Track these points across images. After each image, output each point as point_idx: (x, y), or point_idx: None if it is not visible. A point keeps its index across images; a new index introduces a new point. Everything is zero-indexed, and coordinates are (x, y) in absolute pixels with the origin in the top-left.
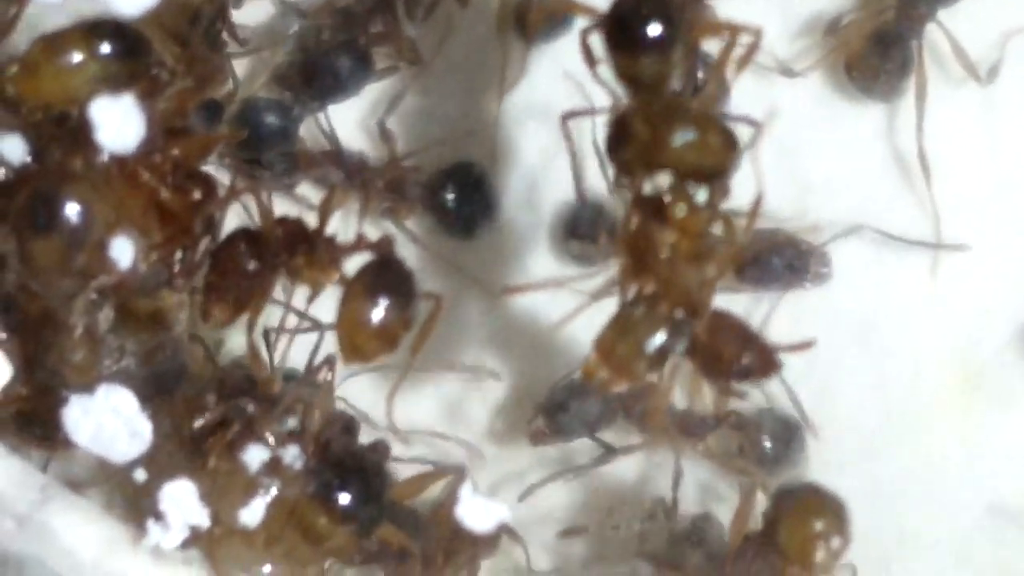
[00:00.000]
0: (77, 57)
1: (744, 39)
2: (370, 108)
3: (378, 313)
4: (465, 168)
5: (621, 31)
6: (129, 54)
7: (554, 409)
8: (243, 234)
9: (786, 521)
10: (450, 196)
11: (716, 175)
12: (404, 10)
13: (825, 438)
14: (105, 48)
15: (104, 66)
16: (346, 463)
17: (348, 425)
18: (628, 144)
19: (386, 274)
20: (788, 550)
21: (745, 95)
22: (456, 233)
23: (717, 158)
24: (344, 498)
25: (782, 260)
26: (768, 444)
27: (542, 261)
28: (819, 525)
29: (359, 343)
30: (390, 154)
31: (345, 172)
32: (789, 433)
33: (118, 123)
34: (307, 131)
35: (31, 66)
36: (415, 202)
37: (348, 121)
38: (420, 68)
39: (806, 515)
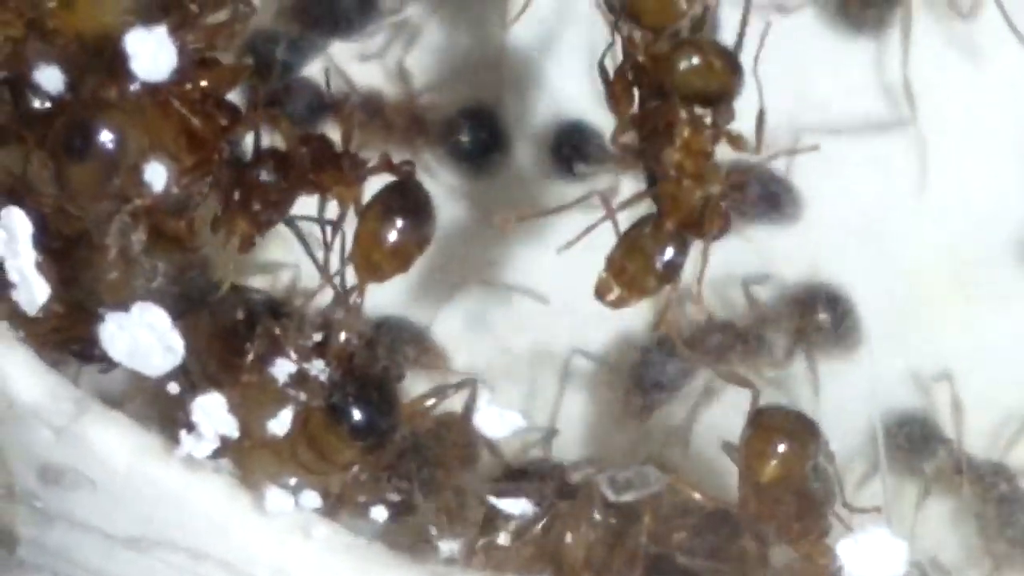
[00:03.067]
0: None
1: None
2: (385, 46)
3: (394, 233)
4: (477, 106)
5: None
6: None
7: (650, 388)
8: (270, 153)
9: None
10: (464, 135)
11: (721, 98)
12: None
13: None
14: None
15: None
16: (363, 379)
17: (370, 342)
18: None
19: (405, 196)
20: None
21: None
22: (471, 168)
23: (721, 81)
24: (355, 415)
25: (759, 189)
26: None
27: (554, 191)
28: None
29: (375, 261)
30: (407, 92)
31: (364, 108)
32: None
33: (152, 53)
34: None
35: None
36: (432, 136)
37: (361, 56)
38: (430, 6)
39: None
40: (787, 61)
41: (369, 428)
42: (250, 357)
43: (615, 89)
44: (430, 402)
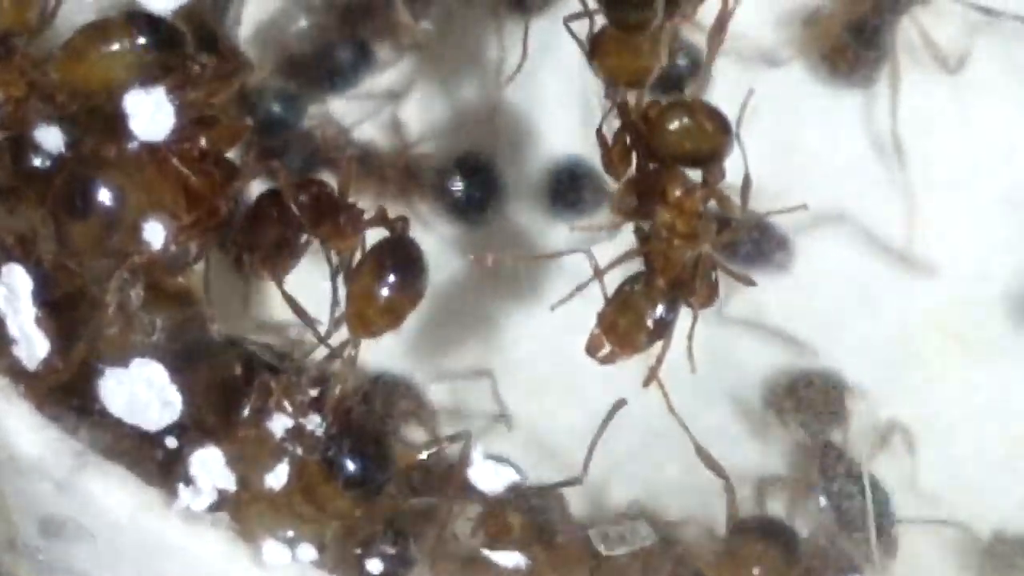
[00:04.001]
0: (118, 45)
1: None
2: (378, 99)
3: (387, 289)
4: (472, 157)
5: None
6: (166, 45)
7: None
8: (269, 196)
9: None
10: (458, 184)
11: (711, 158)
12: (404, 2)
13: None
14: (144, 38)
15: (141, 55)
16: (358, 432)
17: (366, 395)
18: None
19: (398, 252)
20: None
21: (729, 83)
22: (465, 218)
23: (712, 142)
24: (349, 466)
25: (749, 242)
26: None
27: (548, 241)
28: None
29: (368, 317)
30: (401, 142)
31: (360, 158)
32: None
33: (150, 114)
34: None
35: (74, 52)
36: (427, 188)
37: (357, 110)
38: (423, 59)
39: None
40: (776, 114)
41: (363, 479)
42: (247, 412)
43: (612, 155)
44: (424, 454)
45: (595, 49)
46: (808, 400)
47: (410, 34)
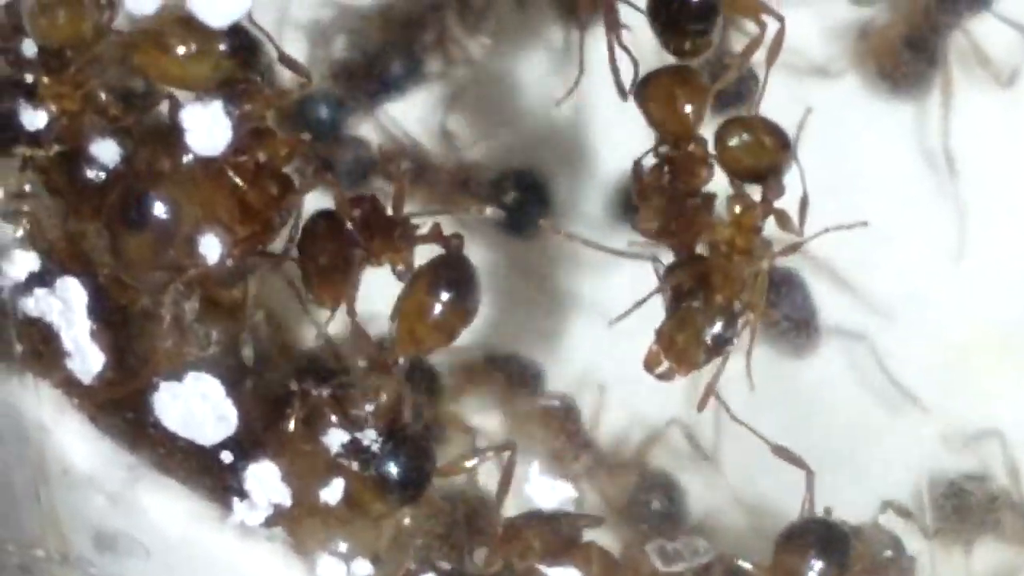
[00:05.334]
0: (204, 46)
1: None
2: (430, 106)
3: (439, 307)
4: (526, 172)
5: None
6: (244, 55)
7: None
8: (324, 213)
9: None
10: (510, 197)
11: (770, 174)
12: (457, 17)
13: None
14: (227, 45)
15: (220, 61)
16: (401, 436)
17: (417, 410)
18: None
19: (451, 270)
20: None
21: (782, 96)
22: (515, 231)
23: (771, 157)
24: (392, 472)
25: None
26: None
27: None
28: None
29: (418, 334)
30: (451, 152)
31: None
32: None
33: (207, 127)
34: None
35: (161, 43)
36: (478, 198)
37: (409, 119)
38: (472, 72)
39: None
40: (827, 126)
41: (404, 484)
42: (303, 426)
43: (645, 185)
44: (470, 463)
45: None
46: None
47: (462, 47)
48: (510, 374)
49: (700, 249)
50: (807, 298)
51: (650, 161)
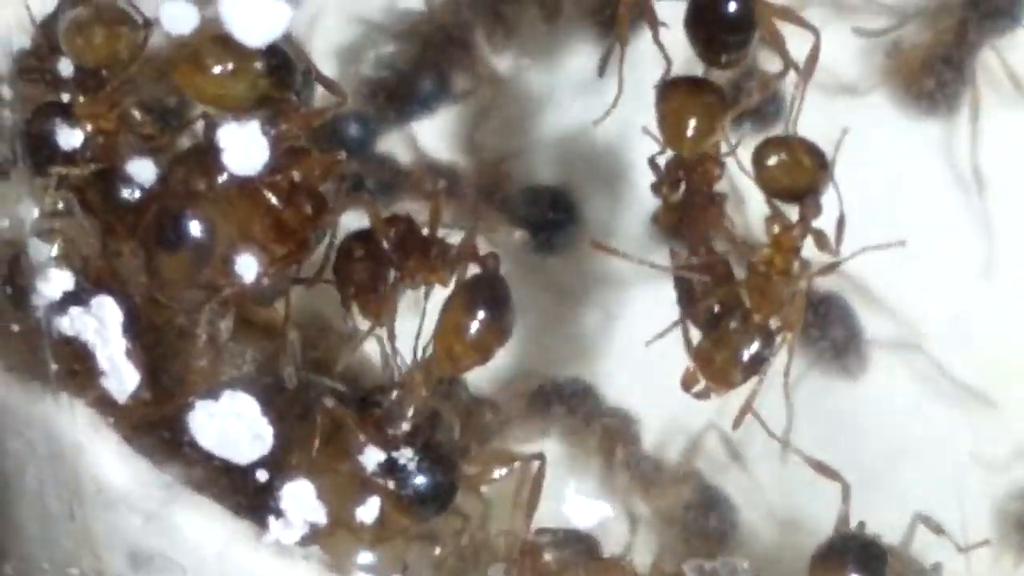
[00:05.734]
0: (241, 65)
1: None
2: (459, 123)
3: (476, 326)
4: (557, 189)
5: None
6: (281, 75)
7: None
8: (359, 234)
9: None
10: (538, 213)
11: (808, 193)
12: (486, 34)
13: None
14: (264, 64)
15: (256, 81)
16: (428, 452)
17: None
18: None
19: (487, 289)
20: None
21: (812, 114)
22: (543, 247)
23: (809, 177)
24: (424, 495)
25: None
26: None
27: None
28: None
29: (455, 353)
30: (479, 167)
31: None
32: None
33: (243, 147)
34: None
35: (198, 61)
36: (505, 214)
37: (434, 135)
38: (501, 89)
39: None
40: (856, 144)
41: (433, 500)
42: (336, 445)
43: (660, 182)
44: (497, 474)
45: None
46: None
47: (492, 64)
48: (571, 398)
49: (716, 247)
50: (853, 318)
51: (664, 158)
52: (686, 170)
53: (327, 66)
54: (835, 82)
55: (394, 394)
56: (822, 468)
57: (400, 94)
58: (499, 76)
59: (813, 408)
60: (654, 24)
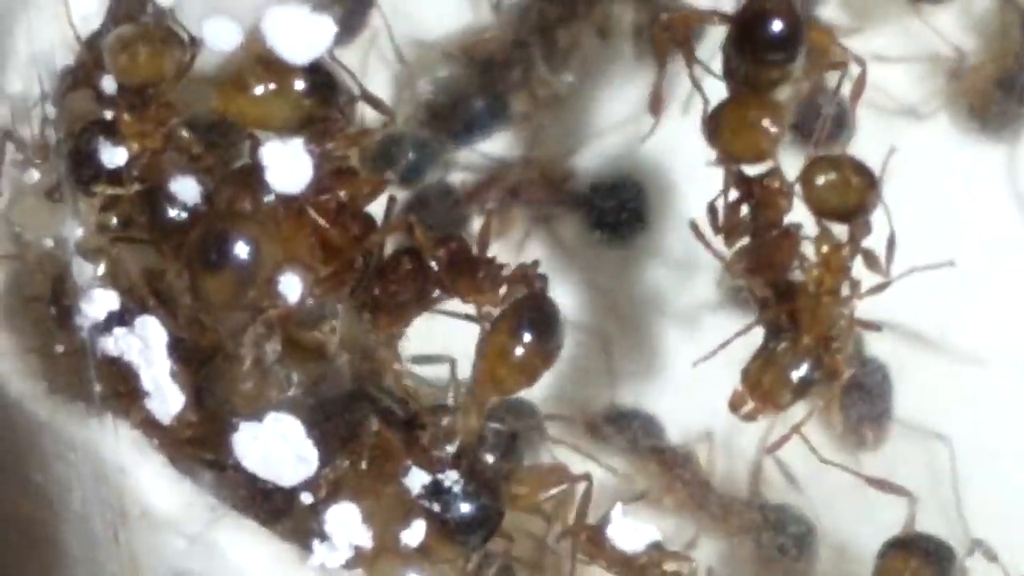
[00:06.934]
0: (282, 86)
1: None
2: (515, 146)
3: (522, 349)
4: (617, 182)
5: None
6: (322, 95)
7: None
8: (406, 252)
9: None
10: (604, 207)
11: (858, 213)
12: (542, 55)
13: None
14: (306, 84)
15: (299, 101)
16: (474, 480)
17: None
18: None
19: (535, 311)
20: None
21: (872, 136)
22: (609, 242)
23: (859, 197)
24: (464, 520)
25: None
26: None
27: (688, 265)
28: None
29: (500, 376)
30: (541, 165)
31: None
32: None
33: (288, 165)
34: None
35: (240, 83)
36: (568, 209)
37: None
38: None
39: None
40: (917, 168)
41: (479, 528)
42: (381, 467)
43: (724, 228)
44: (543, 495)
45: (714, 129)
46: None
47: (548, 87)
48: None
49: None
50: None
51: (724, 201)
52: (751, 206)
53: (382, 89)
54: (897, 105)
55: (445, 420)
56: (883, 485)
57: (455, 117)
58: (557, 97)
59: None
60: (690, 57)
